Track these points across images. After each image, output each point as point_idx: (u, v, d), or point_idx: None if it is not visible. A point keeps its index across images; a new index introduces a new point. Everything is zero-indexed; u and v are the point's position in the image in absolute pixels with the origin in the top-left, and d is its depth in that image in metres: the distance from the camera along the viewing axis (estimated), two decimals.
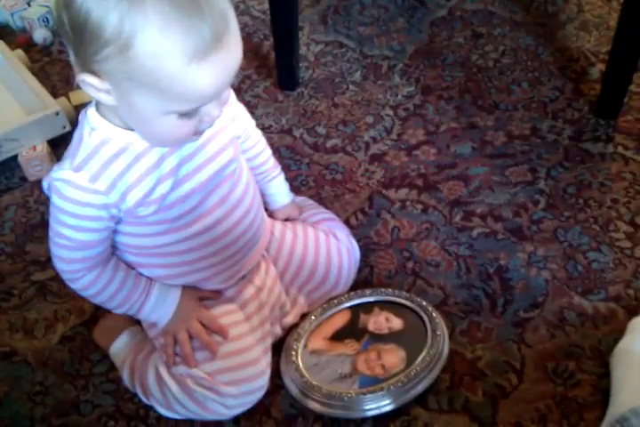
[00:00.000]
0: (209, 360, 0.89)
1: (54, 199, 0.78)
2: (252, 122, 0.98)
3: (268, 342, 0.96)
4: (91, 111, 0.77)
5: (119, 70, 0.65)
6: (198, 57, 0.64)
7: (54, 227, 0.81)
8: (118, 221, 0.82)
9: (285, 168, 1.25)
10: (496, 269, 1.08)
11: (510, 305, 1.03)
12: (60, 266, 0.85)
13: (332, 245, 1.02)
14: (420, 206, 1.19)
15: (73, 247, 0.81)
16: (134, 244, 0.86)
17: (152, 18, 0.62)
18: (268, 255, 0.99)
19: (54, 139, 1.34)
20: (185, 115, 0.70)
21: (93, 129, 0.76)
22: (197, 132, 0.75)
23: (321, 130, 1.35)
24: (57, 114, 1.32)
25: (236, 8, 1.63)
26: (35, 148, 1.30)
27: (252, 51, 1.54)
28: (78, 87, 0.73)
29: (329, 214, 1.09)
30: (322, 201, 1.20)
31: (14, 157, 1.30)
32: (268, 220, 1.00)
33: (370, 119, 1.36)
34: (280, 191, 1.05)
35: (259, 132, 1.00)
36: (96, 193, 0.76)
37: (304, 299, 1.02)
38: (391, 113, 1.37)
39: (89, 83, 0.69)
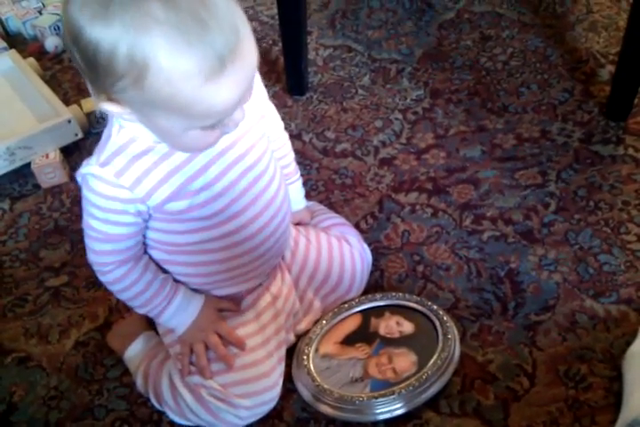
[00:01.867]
0: (223, 372, 0.90)
1: (84, 192, 0.79)
2: (281, 123, 0.99)
3: (283, 350, 0.97)
4: None
5: (137, 99, 0.66)
6: (214, 74, 0.63)
7: (85, 219, 0.82)
8: (148, 218, 0.82)
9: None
10: (507, 272, 1.09)
11: (521, 308, 1.04)
12: (90, 257, 0.86)
13: (344, 250, 1.03)
14: (429, 210, 1.19)
15: (102, 239, 0.83)
16: (165, 240, 0.86)
17: (160, 44, 0.61)
18: (283, 262, 0.99)
19: (67, 146, 1.36)
20: (209, 127, 0.71)
21: (122, 127, 0.77)
22: (222, 136, 0.76)
23: (330, 134, 1.36)
24: (69, 121, 1.34)
25: (245, 13, 1.63)
26: (47, 155, 1.32)
27: (260, 56, 1.54)
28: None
29: (340, 219, 1.10)
30: (332, 205, 1.21)
31: (27, 165, 1.32)
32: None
33: (379, 123, 1.37)
34: (296, 196, 1.05)
35: (286, 135, 1.01)
36: (121, 188, 0.77)
37: (318, 305, 1.03)
38: (400, 117, 1.37)
39: (110, 110, 0.70)
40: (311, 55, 1.52)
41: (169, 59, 0.62)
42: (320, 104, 1.43)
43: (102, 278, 0.87)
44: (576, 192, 1.19)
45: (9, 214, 1.29)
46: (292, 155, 1.03)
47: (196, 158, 0.79)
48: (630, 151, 1.24)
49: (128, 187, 0.77)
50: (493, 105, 1.37)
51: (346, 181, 1.27)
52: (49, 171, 1.31)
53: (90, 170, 0.77)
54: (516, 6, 1.58)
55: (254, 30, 1.58)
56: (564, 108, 1.34)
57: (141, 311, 0.90)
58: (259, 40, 1.58)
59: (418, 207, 1.20)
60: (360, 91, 1.44)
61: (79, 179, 0.80)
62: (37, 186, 1.33)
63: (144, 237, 0.86)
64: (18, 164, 1.32)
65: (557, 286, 1.06)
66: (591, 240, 1.11)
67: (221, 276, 0.91)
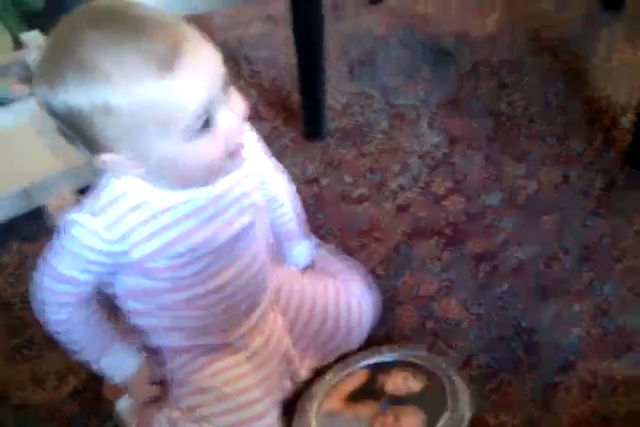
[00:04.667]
0: (219, 415, 0.82)
1: (63, 236, 0.74)
2: (282, 181, 0.93)
3: (277, 395, 0.88)
4: None
5: (120, 128, 0.63)
6: (165, 70, 0.61)
7: (49, 258, 0.77)
8: (120, 271, 0.77)
9: (312, 217, 1.19)
10: (523, 327, 0.98)
11: (538, 367, 0.93)
12: (37, 294, 0.80)
13: (341, 297, 0.94)
14: (444, 261, 1.10)
15: (58, 279, 0.77)
16: (142, 294, 0.81)
17: (104, 68, 0.60)
18: (278, 305, 0.91)
19: (84, 188, 1.30)
20: (204, 128, 0.65)
21: (118, 178, 0.72)
22: (232, 155, 0.70)
23: (348, 179, 1.28)
24: (87, 163, 1.29)
25: (266, 62, 1.58)
26: (64, 197, 1.26)
27: (279, 102, 1.48)
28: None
29: (346, 264, 1.02)
30: (347, 251, 1.12)
31: (43, 206, 1.26)
32: (279, 269, 0.93)
33: (397, 168, 1.29)
34: (299, 255, 0.99)
35: (287, 193, 0.94)
36: (104, 241, 0.72)
37: (315, 352, 0.94)
38: (419, 162, 1.29)
39: (110, 161, 0.67)
40: (329, 101, 1.45)
41: (116, 76, 0.61)
42: (338, 149, 1.35)
43: (39, 316, 0.82)
44: (600, 240, 1.08)
45: (19, 256, 1.23)
46: (292, 214, 0.96)
47: (185, 222, 0.74)
48: None
49: (113, 240, 0.72)
50: (513, 151, 1.28)
51: (362, 226, 1.18)
52: (65, 213, 1.25)
53: (79, 218, 0.72)
54: (535, 55, 1.50)
55: (275, 78, 1.56)
56: (585, 155, 1.25)
57: (78, 358, 0.85)
58: (278, 87, 1.54)
59: (433, 256, 1.11)
60: (378, 135, 1.37)
61: (62, 221, 0.74)
62: (52, 228, 1.27)
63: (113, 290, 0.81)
64: (33, 205, 1.27)
65: (578, 342, 0.95)
66: (617, 291, 1.00)
67: (201, 330, 0.85)
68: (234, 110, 0.68)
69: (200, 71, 0.63)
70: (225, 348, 0.86)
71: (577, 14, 1.59)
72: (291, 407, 0.90)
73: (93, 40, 0.61)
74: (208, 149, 0.67)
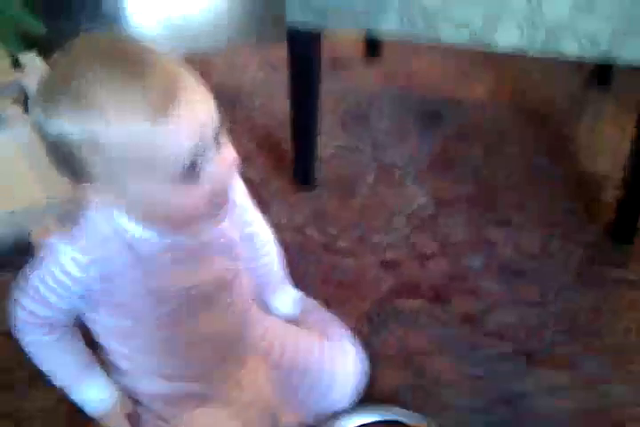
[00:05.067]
0: None
1: (49, 260, 0.73)
2: (269, 234, 0.92)
3: None
4: None
5: (106, 164, 0.64)
6: (159, 115, 0.61)
7: (30, 278, 0.75)
8: (93, 305, 0.76)
9: (293, 267, 1.18)
10: (512, 394, 0.98)
11: None
12: (16, 313, 0.78)
13: (336, 356, 0.92)
14: (429, 318, 1.10)
15: (34, 299, 0.75)
16: (113, 334, 0.80)
17: (100, 104, 0.61)
18: (261, 356, 0.89)
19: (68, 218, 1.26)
20: (189, 177, 0.65)
21: (99, 207, 0.72)
22: (217, 205, 0.70)
23: (332, 230, 1.28)
24: (73, 194, 1.25)
25: (261, 108, 1.59)
26: (48, 227, 1.22)
27: (271, 149, 1.49)
28: None
29: (331, 319, 1.00)
30: (326, 303, 1.11)
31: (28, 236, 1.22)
32: (265, 319, 0.92)
33: (381, 223, 1.30)
34: (282, 307, 0.97)
35: (273, 247, 0.94)
36: (79, 266, 0.71)
37: (299, 408, 0.90)
38: (404, 220, 1.30)
39: (93, 193, 0.67)
40: (321, 153, 1.47)
41: (113, 116, 0.61)
42: (324, 199, 1.36)
43: (18, 335, 0.80)
44: (577, 314, 1.10)
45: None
46: (277, 265, 0.95)
47: (161, 258, 0.73)
48: (634, 276, 1.17)
49: (86, 267, 0.71)
50: (494, 217, 1.30)
51: (343, 279, 1.18)
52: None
53: (67, 250, 0.71)
54: (521, 124, 1.56)
55: (267, 126, 1.56)
56: (566, 226, 1.28)
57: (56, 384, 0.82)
58: (270, 134, 1.54)
59: (417, 315, 1.11)
60: (364, 190, 1.38)
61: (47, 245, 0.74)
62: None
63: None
64: (18, 235, 1.22)
65: (566, 413, 0.95)
66: (597, 367, 1.02)
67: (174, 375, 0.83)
68: (223, 160, 0.68)
69: (192, 119, 0.63)
70: (200, 397, 0.83)
71: (565, 89, 1.65)
72: None
73: (93, 75, 0.61)
74: (192, 196, 0.67)
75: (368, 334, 1.07)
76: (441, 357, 1.03)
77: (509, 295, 1.14)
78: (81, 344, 0.82)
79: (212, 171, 0.66)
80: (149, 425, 0.83)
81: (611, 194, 1.34)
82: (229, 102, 1.59)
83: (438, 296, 1.14)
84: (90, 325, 0.80)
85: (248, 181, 1.36)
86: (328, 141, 1.51)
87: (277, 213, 1.32)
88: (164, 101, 0.61)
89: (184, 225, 0.72)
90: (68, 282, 0.72)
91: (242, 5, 2.14)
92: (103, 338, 0.81)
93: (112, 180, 0.65)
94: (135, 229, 0.72)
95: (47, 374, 0.82)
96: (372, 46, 1.76)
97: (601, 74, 1.65)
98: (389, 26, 1.15)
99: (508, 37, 1.10)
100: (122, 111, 0.61)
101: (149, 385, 0.83)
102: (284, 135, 1.52)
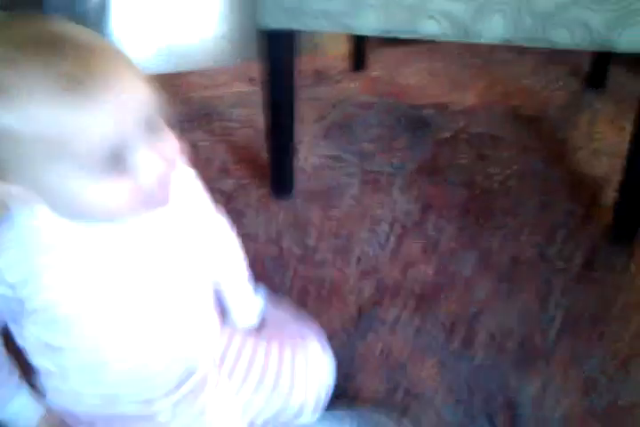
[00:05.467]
0: None
1: None
2: (232, 242, 0.83)
3: None
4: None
5: (16, 155, 0.55)
6: (70, 93, 0.52)
7: None
8: (20, 315, 0.65)
9: (268, 280, 1.09)
10: (502, 402, 0.87)
11: None
12: None
13: (297, 361, 0.81)
14: (413, 326, 1.00)
15: None
16: (45, 349, 0.67)
17: (9, 82, 0.53)
18: (222, 368, 0.79)
19: None
20: (112, 169, 0.55)
21: (25, 210, 0.61)
22: (148, 202, 0.60)
23: (310, 242, 1.19)
24: None
25: (241, 120, 1.53)
26: None
27: (250, 160, 1.41)
28: None
29: (302, 325, 0.90)
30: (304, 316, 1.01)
31: None
32: (225, 328, 0.82)
33: (363, 233, 1.20)
34: (245, 313, 0.87)
35: (235, 257, 0.84)
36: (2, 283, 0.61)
37: (265, 422, 0.80)
38: (387, 228, 1.21)
39: (7, 191, 0.58)
40: (301, 163, 1.39)
41: (21, 98, 0.53)
42: (303, 210, 1.27)
43: None
44: (577, 320, 0.99)
45: None
46: (236, 267, 0.85)
47: (102, 257, 0.64)
48: (637, 280, 1.06)
49: (12, 284, 0.61)
50: (487, 223, 1.20)
51: (322, 291, 1.08)
52: None
53: None
54: (515, 129, 1.47)
55: (248, 136, 1.49)
56: (563, 230, 1.17)
57: None
58: (249, 145, 1.47)
59: (400, 323, 1.00)
60: (347, 199, 1.29)
61: None
62: None
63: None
64: None
65: (564, 420, 0.83)
66: (599, 372, 0.90)
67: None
68: (160, 154, 0.59)
69: (116, 103, 0.54)
70: (147, 419, 0.73)
71: (560, 93, 1.57)
72: None
73: (4, 54, 0.53)
74: (116, 191, 0.57)
75: (348, 344, 0.97)
76: (426, 363, 0.92)
77: (502, 301, 1.03)
78: (5, 360, 0.71)
79: (142, 163, 0.57)
80: None
81: (609, 196, 1.24)
82: (207, 115, 1.53)
83: (422, 304, 1.03)
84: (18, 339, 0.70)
85: (223, 193, 1.31)
86: (311, 152, 1.44)
87: (252, 224, 1.23)
88: (78, 79, 0.53)
89: (107, 219, 0.62)
90: None
91: (227, 22, 2.11)
92: (28, 353, 0.71)
93: (24, 172, 0.56)
94: (56, 228, 0.62)
95: None
96: (358, 59, 1.70)
97: (596, 77, 1.58)
98: (368, 24, 1.08)
99: (493, 28, 1.02)
100: (33, 93, 0.53)
101: (86, 407, 0.73)
102: (265, 147, 1.45)
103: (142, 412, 0.72)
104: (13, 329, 0.68)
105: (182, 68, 1.72)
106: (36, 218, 0.61)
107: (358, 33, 1.16)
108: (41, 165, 0.55)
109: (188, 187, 0.73)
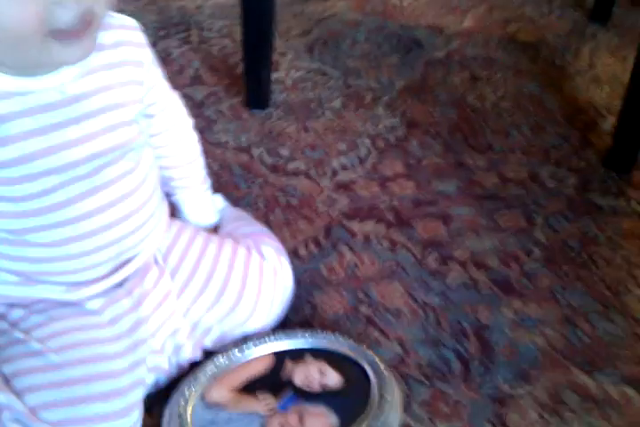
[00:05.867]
0: (43, 387, 0.57)
1: None
2: (183, 119, 0.73)
3: (144, 375, 0.65)
4: None
5: None
6: None
7: None
8: None
9: (233, 187, 1.00)
10: (474, 325, 0.78)
11: (490, 374, 0.73)
12: None
13: (252, 262, 0.73)
14: (386, 243, 0.90)
15: None
16: None
17: None
18: (165, 263, 0.70)
19: None
20: None
21: None
22: (58, 34, 0.49)
23: (284, 152, 1.09)
24: None
25: (220, 31, 1.41)
26: None
27: (225, 70, 1.29)
28: None
29: (260, 228, 0.81)
30: (269, 226, 0.91)
31: None
32: (174, 223, 0.72)
33: (342, 146, 1.10)
34: (198, 211, 0.79)
35: (183, 138, 0.76)
36: None
37: (209, 328, 0.71)
38: (368, 142, 1.11)
39: None
40: (281, 75, 1.28)
41: None
42: (279, 121, 1.16)
43: None
44: (566, 241, 0.91)
45: None
46: (189, 157, 0.77)
47: (21, 120, 0.55)
48: (634, 205, 0.97)
49: None
50: (476, 142, 1.11)
51: (291, 200, 0.98)
52: None
53: None
54: (512, 53, 1.36)
55: (225, 47, 1.38)
56: (557, 153, 1.08)
57: None
58: (227, 55, 1.35)
59: (372, 238, 0.91)
60: (327, 113, 1.18)
61: None
62: None
63: None
64: None
65: (538, 350, 0.76)
66: (583, 299, 0.82)
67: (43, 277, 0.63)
68: None
69: None
70: (74, 307, 0.63)
71: (562, 23, 1.47)
72: (167, 394, 0.67)
73: None
74: (9, 6, 0.46)
75: (313, 258, 0.87)
76: (393, 283, 0.84)
77: (486, 222, 0.94)
78: None
79: None
80: (3, 338, 0.62)
81: (608, 123, 1.15)
82: (185, 24, 1.41)
83: (398, 220, 0.94)
84: None
85: (194, 100, 1.19)
86: (293, 66, 1.32)
87: (222, 132, 1.12)
88: None
89: (10, 55, 0.52)
90: None
91: None
92: None
93: None
94: None
95: None
96: None
97: (600, 10, 1.48)
98: None
99: None
100: None
101: (3, 287, 0.63)
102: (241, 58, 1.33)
103: (67, 297, 0.63)
104: None
105: None
106: None
107: None
108: None
109: (131, 44, 0.63)
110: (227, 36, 1.42)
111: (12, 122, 0.54)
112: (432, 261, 0.87)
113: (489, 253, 0.89)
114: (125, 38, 0.62)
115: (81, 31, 0.50)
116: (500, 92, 1.24)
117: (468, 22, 1.47)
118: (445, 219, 0.94)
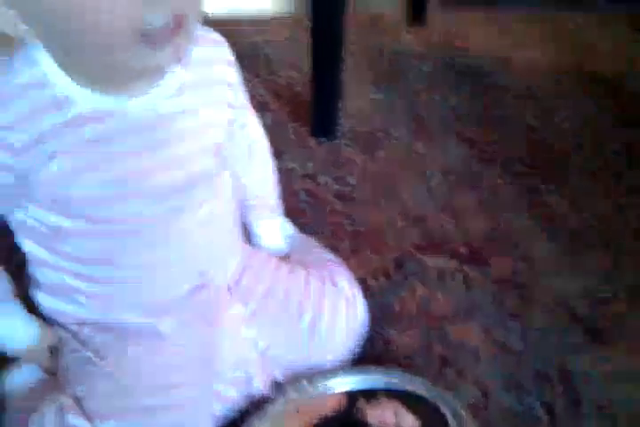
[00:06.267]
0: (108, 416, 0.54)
1: None
2: (266, 150, 0.73)
3: (214, 405, 0.61)
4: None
5: None
6: None
7: None
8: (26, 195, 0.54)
9: (300, 212, 0.96)
10: (560, 372, 0.72)
11: (579, 422, 0.66)
12: None
13: (325, 293, 0.69)
14: (461, 280, 0.85)
15: None
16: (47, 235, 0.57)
17: None
18: (237, 289, 0.66)
19: None
20: None
21: (31, 63, 0.50)
22: (150, 38, 0.46)
23: (351, 180, 1.05)
24: None
25: (287, 64, 1.40)
26: None
27: (292, 100, 1.28)
28: None
29: (331, 257, 0.78)
30: (336, 255, 0.87)
31: None
32: (247, 249, 0.70)
33: (411, 177, 1.06)
34: (269, 237, 0.77)
35: (263, 163, 0.74)
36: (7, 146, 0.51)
37: (280, 359, 0.67)
38: (438, 174, 1.07)
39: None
40: (347, 104, 1.25)
41: None
42: (346, 150, 1.13)
43: None
44: None
45: None
46: (266, 182, 0.76)
47: (114, 140, 0.53)
48: None
49: (21, 146, 0.51)
50: (553, 181, 1.05)
51: (360, 229, 0.94)
52: None
53: None
54: (586, 91, 1.32)
55: (293, 78, 1.37)
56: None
57: None
58: (291, 85, 1.35)
59: (447, 274, 0.86)
60: (394, 143, 1.15)
61: None
62: None
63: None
64: None
65: (635, 403, 0.69)
66: None
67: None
68: None
69: None
70: (147, 328, 0.61)
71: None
72: None
73: None
74: (99, 2, 0.43)
75: (382, 290, 0.83)
76: (469, 323, 0.78)
77: (568, 261, 0.88)
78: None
79: None
80: (70, 357, 0.60)
81: None
82: (253, 57, 1.40)
83: (473, 255, 0.89)
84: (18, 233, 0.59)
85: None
86: (358, 95, 1.30)
87: (289, 160, 1.10)
88: None
89: (97, 56, 0.49)
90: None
91: None
92: (24, 242, 0.60)
93: None
94: (76, 90, 0.50)
95: None
96: (417, 10, 1.56)
97: None
98: None
99: None
100: None
101: (75, 309, 0.61)
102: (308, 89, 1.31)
103: (141, 320, 0.60)
104: (15, 224, 0.57)
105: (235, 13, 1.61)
106: (39, 65, 0.50)
107: None
108: None
109: (223, 62, 0.61)
110: (294, 68, 1.41)
111: (108, 142, 0.52)
112: (511, 302, 0.82)
113: (574, 296, 0.83)
114: (216, 55, 0.59)
115: (172, 32, 0.47)
116: (571, 120, 1.19)
117: (537, 57, 1.43)
118: (523, 258, 0.89)
